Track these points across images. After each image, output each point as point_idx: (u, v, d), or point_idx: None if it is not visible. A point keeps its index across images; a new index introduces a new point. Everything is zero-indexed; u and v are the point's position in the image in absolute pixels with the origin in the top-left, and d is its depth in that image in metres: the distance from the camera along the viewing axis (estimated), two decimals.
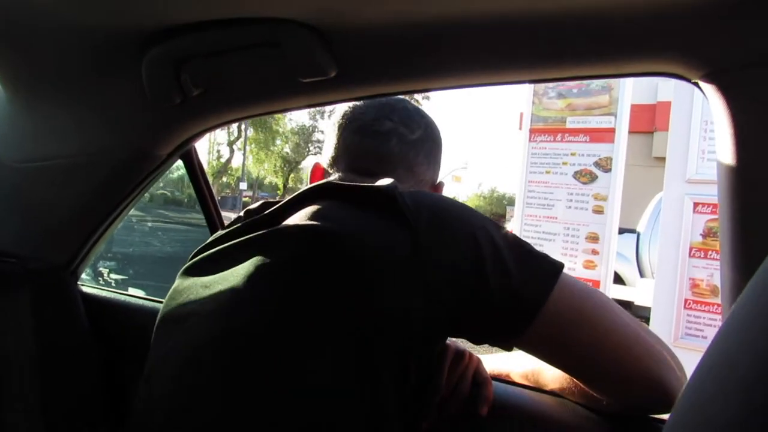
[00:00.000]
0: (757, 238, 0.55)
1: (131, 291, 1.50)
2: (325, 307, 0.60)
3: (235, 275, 0.66)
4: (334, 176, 0.82)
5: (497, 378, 0.85)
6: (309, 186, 0.72)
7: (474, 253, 0.62)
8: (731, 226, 0.57)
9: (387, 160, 0.81)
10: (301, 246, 0.64)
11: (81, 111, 1.02)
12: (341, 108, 0.87)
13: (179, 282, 0.74)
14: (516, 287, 0.62)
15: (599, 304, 0.65)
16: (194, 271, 0.73)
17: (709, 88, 0.58)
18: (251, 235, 0.69)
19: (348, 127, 0.83)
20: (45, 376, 1.10)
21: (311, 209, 0.68)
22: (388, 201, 0.64)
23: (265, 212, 0.72)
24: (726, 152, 0.57)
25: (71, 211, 1.14)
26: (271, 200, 0.77)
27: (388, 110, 0.83)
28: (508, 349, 0.68)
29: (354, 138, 0.82)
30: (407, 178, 0.82)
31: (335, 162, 0.84)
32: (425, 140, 0.85)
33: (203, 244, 0.77)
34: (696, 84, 0.60)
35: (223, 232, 0.75)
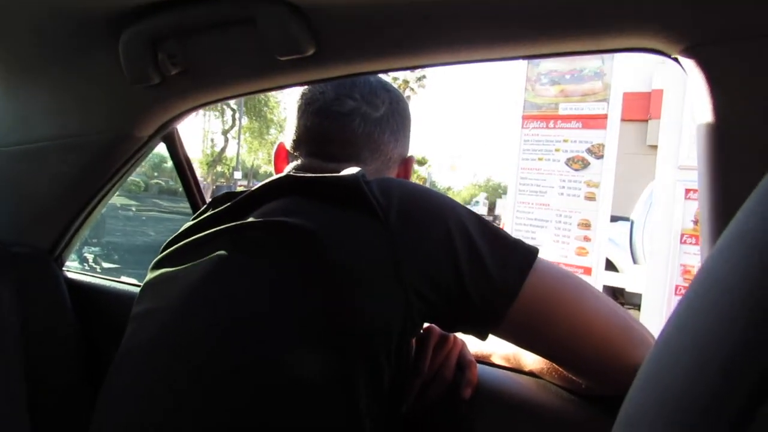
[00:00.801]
0: (734, 209, 0.54)
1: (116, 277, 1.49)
2: (294, 305, 0.59)
3: (200, 269, 0.64)
4: (297, 161, 0.80)
5: (478, 359, 0.85)
6: (272, 179, 0.70)
7: (447, 245, 0.61)
8: (710, 198, 0.57)
9: (351, 143, 0.78)
10: (269, 242, 0.62)
11: (61, 93, 1.01)
12: (300, 87, 0.84)
13: (148, 276, 0.73)
14: (491, 276, 0.61)
15: (576, 288, 0.65)
16: (163, 264, 0.72)
17: (688, 63, 0.57)
18: (217, 228, 0.67)
19: (308, 109, 0.80)
20: (29, 361, 1.09)
21: (280, 203, 0.66)
22: (355, 194, 0.63)
23: (229, 203, 0.71)
24: (705, 128, 0.57)
25: (54, 195, 1.13)
26: (235, 191, 0.75)
27: (349, 87, 0.80)
28: (483, 338, 0.67)
29: (314, 120, 0.79)
30: (374, 158, 0.80)
31: (297, 145, 0.81)
32: (390, 116, 0.81)
33: (172, 236, 0.75)
34: (675, 59, 0.59)
35: (191, 223, 0.74)
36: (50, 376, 1.15)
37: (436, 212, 0.63)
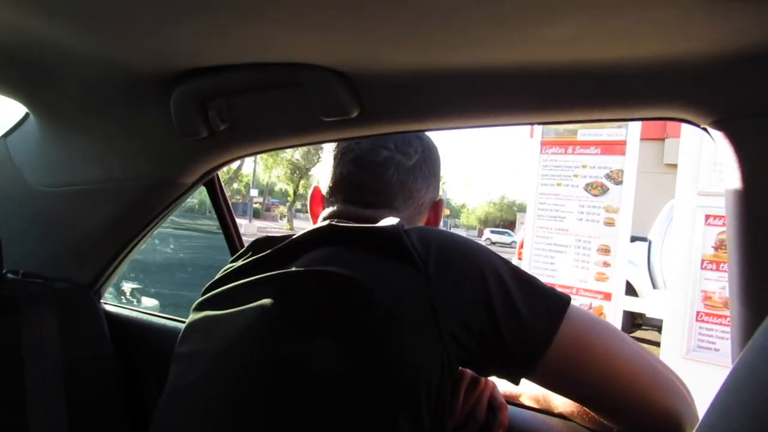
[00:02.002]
0: (764, 276, 0.57)
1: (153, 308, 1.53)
2: (340, 353, 0.61)
3: (247, 314, 0.67)
4: (333, 207, 0.83)
5: (508, 400, 0.87)
6: (314, 227, 0.73)
7: (483, 293, 0.64)
8: (740, 267, 0.60)
9: (385, 191, 0.81)
10: (316, 291, 0.65)
11: (108, 141, 1.05)
12: None
13: (192, 317, 0.76)
14: (525, 324, 0.63)
15: (607, 334, 0.67)
16: (206, 307, 0.75)
17: (717, 135, 0.60)
18: (264, 274, 0.70)
19: (344, 158, 0.83)
20: (70, 394, 1.13)
21: (323, 253, 0.69)
22: (395, 244, 0.66)
23: (274, 249, 0.74)
24: (734, 196, 0.60)
25: (96, 235, 1.18)
26: (276, 235, 0.78)
27: (384, 137, 0.83)
28: (516, 383, 0.69)
29: (350, 169, 0.82)
30: (407, 205, 0.83)
31: (333, 192, 0.84)
32: (423, 163, 0.84)
33: (214, 279, 0.78)
34: (705, 129, 0.62)
35: (234, 266, 0.77)
36: (90, 405, 1.18)
37: (472, 261, 0.66)
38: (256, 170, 27.40)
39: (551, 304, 0.66)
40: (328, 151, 0.86)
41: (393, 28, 0.60)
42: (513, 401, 0.87)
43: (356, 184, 0.82)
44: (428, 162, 0.86)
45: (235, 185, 28.93)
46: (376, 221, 0.72)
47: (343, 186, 0.83)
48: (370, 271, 0.65)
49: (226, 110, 0.84)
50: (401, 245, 0.65)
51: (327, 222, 0.73)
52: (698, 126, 0.63)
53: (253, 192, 26.37)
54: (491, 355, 0.65)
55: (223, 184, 1.24)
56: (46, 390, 1.11)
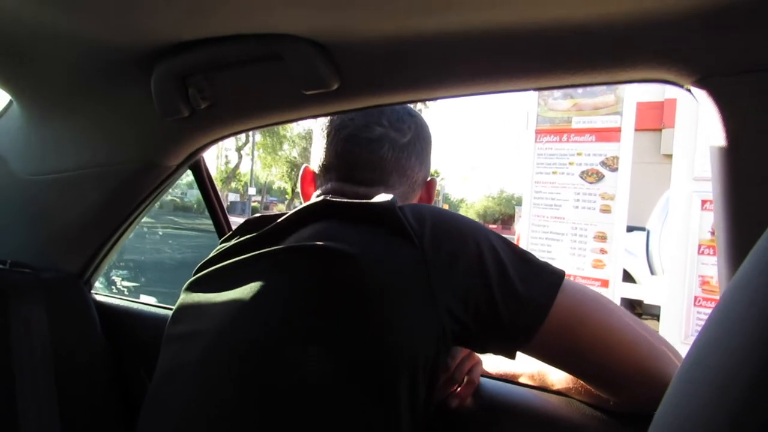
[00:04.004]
0: (749, 237, 0.56)
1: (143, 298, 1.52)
2: (336, 328, 0.61)
3: (242, 292, 0.67)
4: (327, 185, 0.83)
5: (504, 378, 0.86)
6: (309, 203, 0.72)
7: (479, 267, 0.64)
8: (725, 225, 0.59)
9: (380, 168, 0.81)
10: (312, 266, 0.65)
11: (92, 124, 1.05)
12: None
13: (184, 297, 0.75)
14: (521, 298, 0.63)
15: (601, 307, 0.67)
16: (199, 286, 0.74)
17: (700, 94, 0.59)
18: (258, 251, 0.70)
19: (338, 135, 0.82)
20: (61, 384, 1.12)
21: (317, 228, 0.69)
22: (390, 219, 0.66)
23: (267, 228, 0.73)
24: (718, 154, 0.59)
25: (83, 222, 1.17)
26: (269, 214, 0.78)
27: (377, 114, 0.83)
28: (512, 357, 0.69)
29: (345, 146, 0.81)
30: (401, 182, 0.83)
31: (327, 170, 0.83)
32: (416, 141, 0.84)
33: (206, 259, 0.78)
34: (688, 90, 0.61)
35: (226, 246, 0.76)
36: (81, 395, 1.18)
37: (467, 236, 0.66)
38: (254, 169, 27.42)
39: (546, 277, 0.66)
40: (320, 129, 0.85)
41: None
42: (508, 378, 0.86)
43: (351, 162, 0.81)
44: (421, 139, 0.85)
45: (234, 184, 28.95)
46: (370, 199, 0.71)
47: (337, 164, 0.82)
48: (365, 246, 0.64)
49: (206, 88, 0.83)
50: (396, 220, 0.65)
51: (321, 197, 0.72)
52: (681, 86, 0.62)
53: (252, 190, 26.36)
54: (488, 330, 0.65)
55: (219, 182, 1.23)
56: (36, 380, 1.10)
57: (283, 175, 27.77)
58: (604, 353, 0.65)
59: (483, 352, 0.76)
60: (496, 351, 0.70)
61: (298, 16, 0.66)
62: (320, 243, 0.65)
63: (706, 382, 0.27)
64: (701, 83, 0.59)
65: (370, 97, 0.81)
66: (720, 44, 0.56)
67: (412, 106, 0.88)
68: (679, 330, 2.72)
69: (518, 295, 0.63)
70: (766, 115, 0.55)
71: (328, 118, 0.85)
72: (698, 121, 2.68)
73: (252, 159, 26.64)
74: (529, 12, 0.59)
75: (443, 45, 0.68)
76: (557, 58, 0.66)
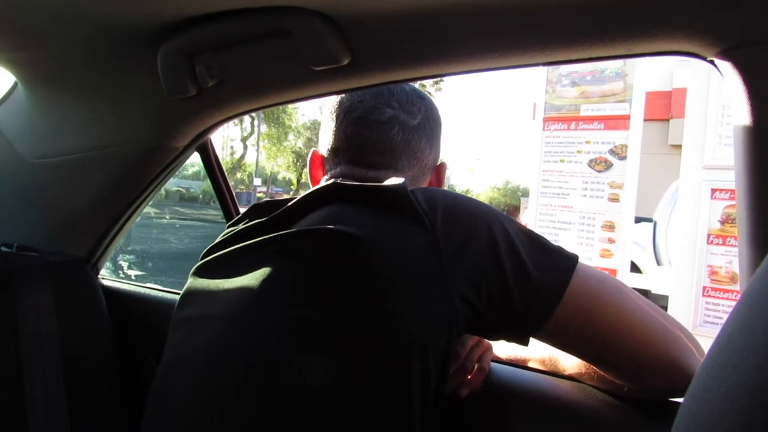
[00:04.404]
0: None
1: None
2: (347, 312, 0.60)
3: (251, 278, 0.66)
4: (336, 169, 0.81)
5: (515, 363, 0.85)
6: (319, 187, 0.71)
7: (492, 252, 0.63)
8: (749, 203, 0.57)
9: (390, 151, 0.79)
10: (322, 250, 0.64)
11: (98, 105, 1.04)
12: (336, 96, 0.85)
13: (191, 282, 0.75)
14: (535, 282, 0.62)
15: (616, 291, 0.66)
16: (207, 271, 0.74)
17: (725, 66, 0.58)
18: (266, 236, 0.69)
19: (347, 117, 0.80)
20: (67, 367, 1.12)
21: (327, 212, 0.67)
22: (402, 202, 0.64)
23: (276, 212, 0.72)
24: (743, 130, 0.57)
25: (90, 205, 1.16)
26: (277, 198, 0.76)
27: (387, 96, 0.81)
28: (525, 343, 0.68)
29: (354, 129, 0.79)
30: (411, 166, 0.81)
31: (336, 153, 0.82)
32: (426, 124, 0.83)
33: (214, 243, 0.77)
34: (712, 62, 0.59)
35: (234, 231, 0.75)
36: (88, 378, 1.18)
37: (480, 220, 0.65)
38: (259, 159, 27.45)
39: (560, 261, 0.65)
40: (329, 112, 0.84)
41: None
42: (519, 364, 0.85)
43: (360, 144, 0.80)
44: (431, 122, 0.84)
45: (239, 175, 29.00)
46: (380, 182, 0.70)
47: (347, 146, 0.81)
48: (376, 230, 0.63)
49: (214, 65, 0.82)
50: (408, 204, 0.64)
51: (332, 180, 0.71)
52: (704, 59, 0.60)
53: (257, 181, 26.42)
54: (501, 315, 0.64)
55: (226, 172, 1.22)
56: (44, 364, 1.10)
57: (288, 166, 27.79)
58: (619, 338, 0.64)
59: (495, 339, 0.75)
60: (509, 338, 0.69)
61: None
62: (330, 227, 0.64)
63: (736, 366, 0.26)
64: (726, 55, 0.57)
65: (381, 73, 0.79)
66: (746, 12, 0.54)
67: (422, 90, 0.87)
68: (687, 320, 2.70)
69: (532, 280, 0.62)
70: None
71: (337, 100, 0.83)
72: (708, 109, 2.65)
73: (257, 149, 26.66)
74: None
75: (455, 19, 0.67)
76: (573, 31, 0.64)
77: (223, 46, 0.79)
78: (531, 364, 0.85)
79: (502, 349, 0.87)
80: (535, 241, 0.66)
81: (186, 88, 0.84)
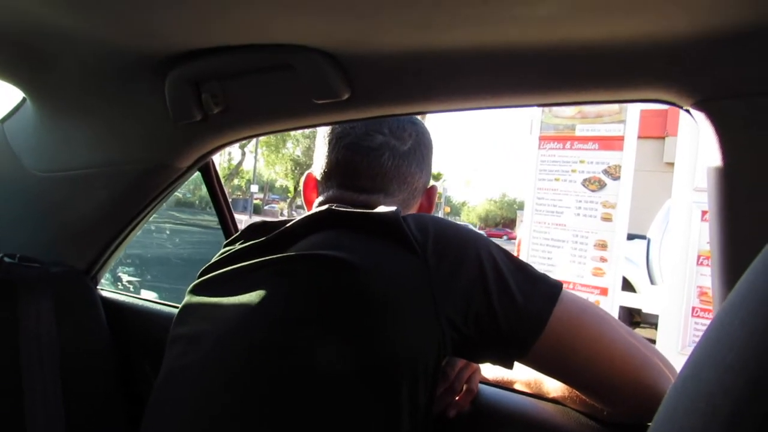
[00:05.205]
0: (744, 256, 0.58)
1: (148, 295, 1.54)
2: (338, 336, 0.62)
3: (247, 298, 0.68)
4: (328, 192, 0.84)
5: (500, 385, 0.88)
6: (314, 212, 0.74)
7: (479, 277, 0.65)
8: (720, 244, 0.61)
9: (380, 176, 0.82)
10: (316, 274, 0.66)
11: (104, 124, 1.06)
12: None
13: (189, 299, 0.77)
14: (520, 308, 0.65)
15: (598, 319, 0.68)
16: (204, 290, 0.76)
17: (699, 116, 0.61)
18: (263, 258, 0.71)
19: (339, 143, 0.83)
20: (66, 377, 1.14)
21: (321, 237, 0.70)
22: (394, 229, 0.67)
23: (272, 234, 0.74)
24: (715, 176, 0.61)
25: (92, 219, 1.19)
26: (273, 220, 0.79)
27: (379, 122, 0.84)
28: (509, 367, 0.71)
29: (345, 154, 0.82)
30: (401, 190, 0.84)
31: (328, 177, 0.85)
32: (416, 149, 0.85)
33: (211, 262, 0.79)
34: (687, 111, 0.63)
35: (230, 250, 0.77)
36: (86, 388, 1.19)
37: (469, 247, 0.68)
38: (257, 166, 27.43)
39: (545, 289, 0.67)
40: (322, 136, 0.87)
41: (381, 10, 0.61)
42: (505, 386, 0.88)
43: (351, 169, 0.82)
44: (422, 147, 0.87)
45: (236, 181, 28.94)
46: (371, 207, 0.73)
47: (338, 171, 0.84)
48: (368, 256, 0.66)
49: (219, 93, 0.85)
50: (400, 231, 0.67)
51: (326, 207, 0.74)
52: (681, 107, 0.63)
53: (254, 188, 26.38)
54: (486, 339, 0.66)
55: (222, 179, 1.25)
56: (43, 374, 1.12)
57: (286, 174, 27.77)
58: (600, 365, 0.66)
59: (481, 361, 0.78)
60: (494, 361, 0.71)
61: (310, 27, 0.68)
62: (324, 252, 0.66)
63: (700, 395, 0.29)
64: (700, 105, 0.61)
65: (379, 108, 0.82)
66: (718, 68, 0.58)
67: None
68: (676, 340, 2.73)
69: (517, 306, 0.65)
70: (761, 139, 0.57)
71: (331, 125, 0.86)
72: (700, 133, 2.68)
73: (255, 157, 26.65)
74: (534, 31, 0.61)
75: (451, 60, 0.70)
76: (561, 76, 0.68)
77: (228, 76, 0.83)
78: (517, 386, 0.88)
79: (490, 371, 0.90)
80: (522, 268, 0.69)
81: (191, 114, 0.87)
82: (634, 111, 3.06)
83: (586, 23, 0.57)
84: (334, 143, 0.84)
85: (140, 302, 1.35)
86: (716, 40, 0.56)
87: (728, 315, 0.30)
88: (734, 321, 0.29)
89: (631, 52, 0.61)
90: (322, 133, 0.87)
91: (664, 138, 11.19)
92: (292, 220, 0.75)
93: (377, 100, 0.81)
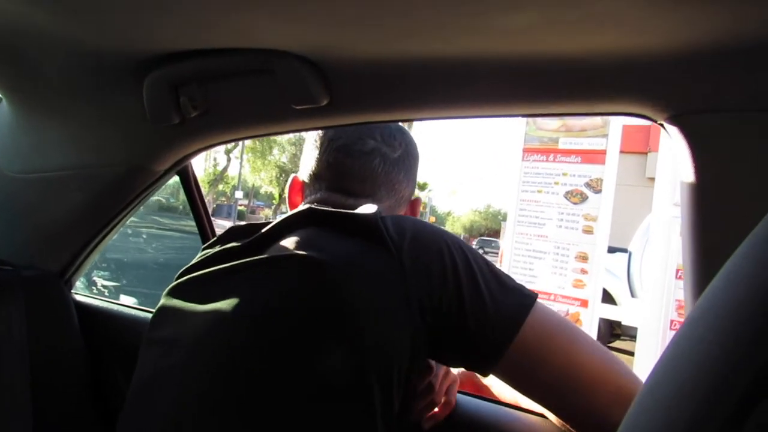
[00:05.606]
0: (712, 271, 0.58)
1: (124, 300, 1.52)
2: (313, 337, 0.62)
3: (223, 302, 0.68)
4: (316, 195, 0.84)
5: (482, 397, 0.88)
6: (294, 211, 0.74)
7: (453, 280, 0.65)
8: (691, 258, 0.61)
9: (370, 181, 0.83)
10: (293, 276, 0.66)
11: (80, 126, 1.05)
12: None
13: (165, 302, 0.76)
14: (489, 314, 0.65)
15: (571, 334, 0.68)
16: (181, 293, 0.75)
17: (672, 130, 0.62)
18: (240, 261, 0.71)
19: (331, 146, 0.84)
20: (36, 382, 1.12)
21: (299, 237, 0.70)
22: (371, 229, 0.67)
23: (253, 237, 0.74)
24: (688, 191, 0.61)
25: (67, 222, 1.17)
26: (254, 223, 0.79)
27: (370, 129, 0.85)
28: (484, 374, 0.70)
29: (337, 157, 0.83)
30: (389, 196, 0.85)
31: (316, 179, 0.85)
32: (406, 158, 0.86)
33: (189, 264, 0.78)
34: (661, 125, 0.64)
35: (210, 252, 0.77)
36: (57, 395, 1.17)
37: (444, 250, 0.68)
38: (242, 172, 27.30)
39: (518, 298, 0.67)
40: (313, 140, 0.87)
41: (362, 19, 0.61)
42: (488, 398, 0.88)
43: (342, 172, 0.83)
44: (410, 156, 0.88)
45: (221, 187, 28.79)
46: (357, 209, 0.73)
47: (328, 174, 0.84)
48: (345, 256, 0.66)
49: (198, 97, 0.84)
50: (377, 231, 0.67)
51: (307, 206, 0.74)
52: (655, 121, 0.64)
53: (239, 194, 26.25)
54: (456, 341, 0.66)
55: (207, 185, 1.24)
56: (12, 377, 1.10)
57: (271, 180, 27.71)
58: (567, 384, 0.65)
59: (454, 365, 0.78)
60: (467, 365, 0.71)
61: (291, 33, 0.68)
62: (299, 253, 0.66)
63: (657, 412, 0.29)
64: (673, 120, 0.61)
65: (357, 115, 0.83)
66: (696, 83, 0.59)
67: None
68: (655, 353, 2.75)
69: (487, 310, 0.65)
70: (733, 154, 0.58)
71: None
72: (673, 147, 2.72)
73: (240, 163, 26.54)
74: (513, 44, 0.62)
75: (430, 69, 0.71)
76: (540, 88, 0.68)
77: (207, 80, 0.82)
78: (496, 389, 0.88)
79: (496, 387, 0.89)
80: (496, 276, 0.69)
81: (169, 117, 0.87)
82: (616, 125, 3.09)
83: (563, 36, 0.58)
84: (326, 146, 0.84)
85: (114, 307, 1.33)
86: (690, 56, 0.56)
87: (686, 331, 0.30)
88: (692, 337, 0.29)
89: (606, 66, 0.61)
90: (312, 137, 0.87)
91: (646, 153, 11.36)
92: (272, 221, 0.75)
93: (355, 106, 0.81)
